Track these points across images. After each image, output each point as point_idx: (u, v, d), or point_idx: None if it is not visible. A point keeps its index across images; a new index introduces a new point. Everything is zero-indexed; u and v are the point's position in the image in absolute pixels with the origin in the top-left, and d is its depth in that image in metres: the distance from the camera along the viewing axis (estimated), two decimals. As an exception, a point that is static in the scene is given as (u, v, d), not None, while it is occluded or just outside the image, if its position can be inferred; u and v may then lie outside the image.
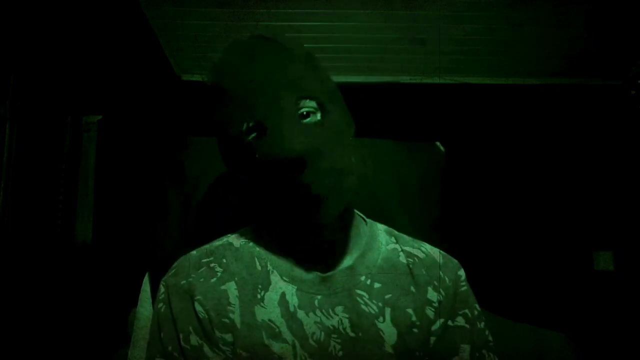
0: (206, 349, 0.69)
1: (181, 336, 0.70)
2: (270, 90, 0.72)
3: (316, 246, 0.76)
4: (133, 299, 0.98)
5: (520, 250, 2.75)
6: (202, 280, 0.74)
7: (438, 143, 1.10)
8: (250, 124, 0.72)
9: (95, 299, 2.01)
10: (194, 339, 0.70)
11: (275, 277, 0.74)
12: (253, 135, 0.73)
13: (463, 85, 2.93)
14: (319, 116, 0.74)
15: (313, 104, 0.74)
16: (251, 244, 0.79)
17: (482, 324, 0.79)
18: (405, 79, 2.84)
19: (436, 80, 2.88)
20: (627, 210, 2.81)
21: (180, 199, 1.01)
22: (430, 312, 0.75)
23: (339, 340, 0.69)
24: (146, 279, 0.97)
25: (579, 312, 2.67)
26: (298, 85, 0.74)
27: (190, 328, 0.70)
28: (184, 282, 0.74)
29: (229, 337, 0.69)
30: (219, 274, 0.74)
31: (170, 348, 0.70)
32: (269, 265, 0.75)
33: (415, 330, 0.73)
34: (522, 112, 2.92)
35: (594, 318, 2.67)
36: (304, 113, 0.73)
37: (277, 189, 0.71)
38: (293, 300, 0.72)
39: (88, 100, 2.12)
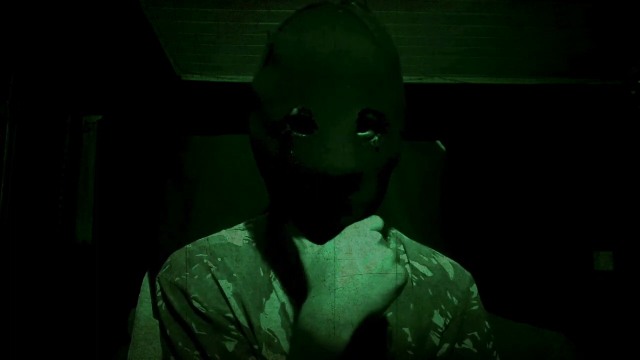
0: (218, 337, 0.65)
1: (193, 325, 0.66)
2: (338, 81, 0.60)
3: None
4: (133, 299, 0.97)
5: (521, 250, 2.76)
6: (196, 277, 0.69)
7: (439, 142, 1.10)
8: (299, 108, 0.61)
9: (95, 299, 2.01)
10: (203, 330, 0.66)
11: (276, 285, 0.70)
12: (295, 127, 0.62)
13: (463, 85, 2.93)
14: (376, 138, 0.63)
15: (378, 119, 0.62)
16: (254, 244, 0.74)
17: (490, 344, 0.74)
18: (405, 79, 2.84)
19: (436, 80, 2.88)
20: (627, 210, 2.81)
21: (180, 199, 1.01)
22: (435, 337, 0.71)
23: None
24: (146, 279, 0.97)
25: (579, 312, 2.68)
26: (371, 92, 0.62)
27: (194, 324, 0.66)
28: (177, 279, 0.69)
29: (234, 328, 0.66)
30: (212, 269, 0.69)
31: (180, 344, 0.66)
32: (271, 272, 0.71)
33: (410, 352, 0.68)
34: (522, 112, 2.92)
35: (594, 318, 2.67)
36: (363, 126, 0.62)
37: (296, 196, 0.63)
38: (294, 311, 0.68)
39: (88, 100, 2.12)
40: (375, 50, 0.62)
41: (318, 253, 0.62)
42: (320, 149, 0.59)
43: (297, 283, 0.66)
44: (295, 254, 0.65)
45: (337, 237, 0.62)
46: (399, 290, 0.59)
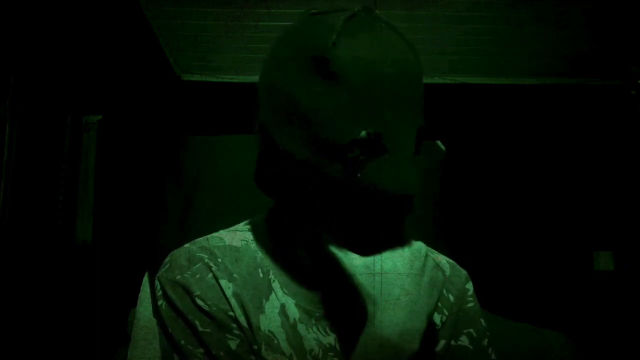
0: (221, 335, 0.66)
1: (197, 323, 0.66)
2: (403, 103, 0.61)
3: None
4: (133, 299, 0.97)
5: (521, 250, 2.76)
6: (198, 276, 0.69)
7: (439, 142, 1.10)
8: (369, 132, 0.60)
9: (95, 299, 2.01)
10: (207, 328, 0.66)
11: (276, 286, 0.70)
12: (363, 149, 0.61)
13: (463, 85, 2.93)
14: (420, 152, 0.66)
15: (423, 134, 0.65)
16: (253, 245, 0.74)
17: (486, 341, 0.75)
18: (405, 79, 2.84)
19: (436, 80, 2.88)
20: (627, 210, 2.81)
21: (180, 199, 1.01)
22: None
23: (335, 359, 0.67)
24: (146, 279, 0.97)
25: (579, 312, 2.68)
26: (421, 106, 0.64)
27: (197, 321, 0.66)
28: (179, 277, 0.69)
29: (236, 327, 0.66)
30: (213, 269, 0.69)
31: (183, 342, 0.66)
32: (270, 273, 0.71)
33: None
34: (522, 112, 2.92)
35: (594, 318, 2.67)
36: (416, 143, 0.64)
37: (361, 214, 0.64)
38: (293, 313, 0.69)
39: (88, 100, 2.12)
40: (418, 63, 0.64)
41: (371, 265, 0.63)
42: (394, 170, 0.61)
43: (303, 288, 0.69)
44: (335, 264, 0.65)
45: (390, 252, 0.64)
46: (439, 296, 0.64)
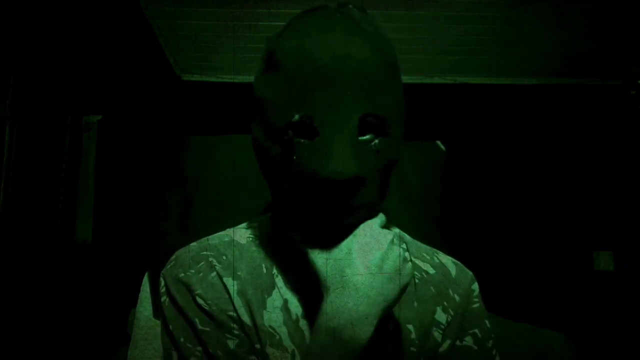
0: (220, 334, 0.66)
1: (197, 321, 0.66)
2: (338, 87, 0.61)
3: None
4: (133, 299, 0.98)
5: (521, 250, 2.76)
6: (200, 275, 0.69)
7: (439, 142, 1.10)
8: (300, 115, 0.62)
9: (95, 299, 2.01)
10: (206, 327, 0.67)
11: (279, 282, 0.70)
12: (297, 132, 0.63)
13: (463, 85, 2.93)
14: (377, 141, 0.64)
15: (378, 122, 0.64)
16: (257, 242, 0.75)
17: (490, 343, 0.75)
18: (405, 79, 2.84)
19: (436, 80, 2.88)
20: (627, 210, 2.81)
21: (180, 199, 1.01)
22: (437, 334, 0.72)
23: None
24: (146, 279, 0.97)
25: (579, 312, 2.68)
26: (371, 94, 0.63)
27: (197, 320, 0.67)
28: (182, 275, 0.69)
29: (236, 327, 0.66)
30: (217, 267, 0.70)
31: (182, 339, 0.66)
32: (274, 269, 0.72)
33: (413, 349, 0.69)
34: (522, 112, 2.92)
35: (594, 318, 2.67)
36: (364, 130, 0.63)
37: (300, 199, 0.65)
38: (296, 308, 0.69)
39: (88, 100, 2.12)
40: (374, 53, 0.63)
41: (330, 255, 0.63)
42: (322, 155, 0.61)
43: (305, 284, 0.68)
44: (305, 256, 0.66)
45: (350, 238, 0.64)
46: (405, 287, 0.62)
